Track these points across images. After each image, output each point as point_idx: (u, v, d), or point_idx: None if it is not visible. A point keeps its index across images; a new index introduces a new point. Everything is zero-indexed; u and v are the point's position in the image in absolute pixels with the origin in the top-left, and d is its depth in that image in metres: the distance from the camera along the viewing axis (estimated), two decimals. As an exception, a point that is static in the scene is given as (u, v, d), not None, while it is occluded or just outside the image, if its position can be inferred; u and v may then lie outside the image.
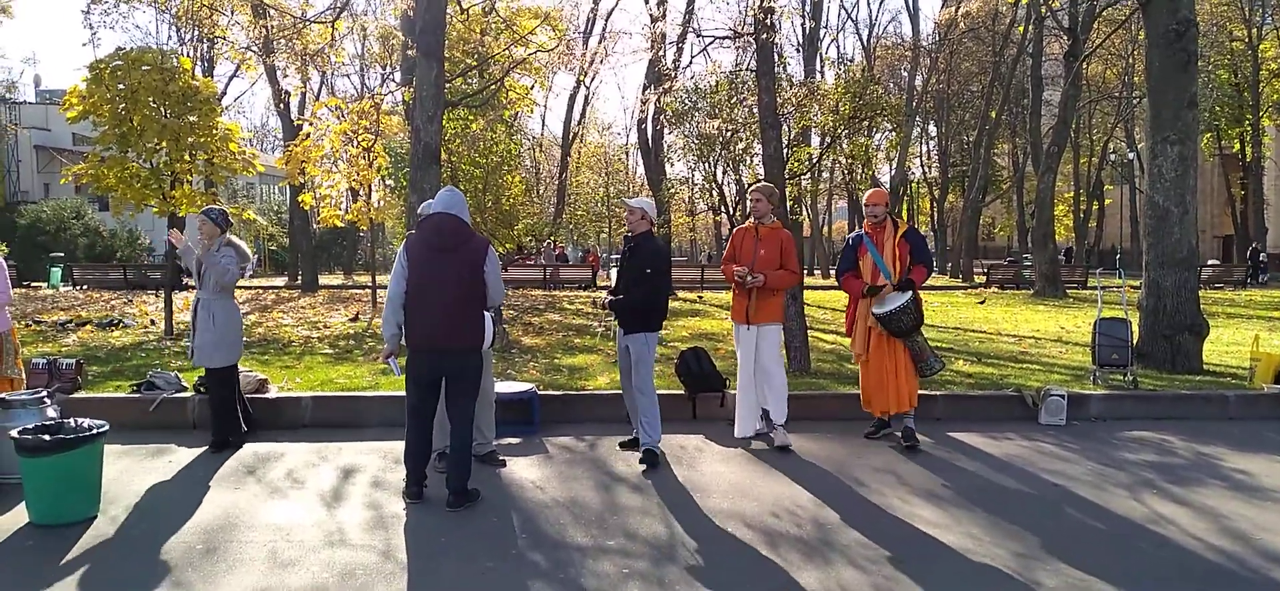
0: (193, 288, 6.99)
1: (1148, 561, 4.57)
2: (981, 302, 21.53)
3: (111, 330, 13.47)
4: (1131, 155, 44.35)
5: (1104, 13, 25.74)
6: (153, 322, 14.47)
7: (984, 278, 32.96)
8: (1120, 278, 13.07)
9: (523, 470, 6.16)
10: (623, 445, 6.72)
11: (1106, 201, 49.81)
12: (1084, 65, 26.71)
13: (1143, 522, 5.17)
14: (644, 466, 6.20)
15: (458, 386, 5.38)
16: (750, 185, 24.50)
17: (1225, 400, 8.25)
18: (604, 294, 6.56)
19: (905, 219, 7.84)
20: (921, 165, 49.56)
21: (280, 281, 33.37)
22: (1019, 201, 41.68)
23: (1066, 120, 24.65)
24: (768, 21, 9.94)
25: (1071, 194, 44.29)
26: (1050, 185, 24.72)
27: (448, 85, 11.86)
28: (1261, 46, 37.50)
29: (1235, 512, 5.34)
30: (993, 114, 35.50)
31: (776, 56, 14.93)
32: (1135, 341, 9.20)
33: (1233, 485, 5.95)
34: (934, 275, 30.50)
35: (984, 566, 4.48)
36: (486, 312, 5.55)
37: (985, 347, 12.07)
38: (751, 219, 6.99)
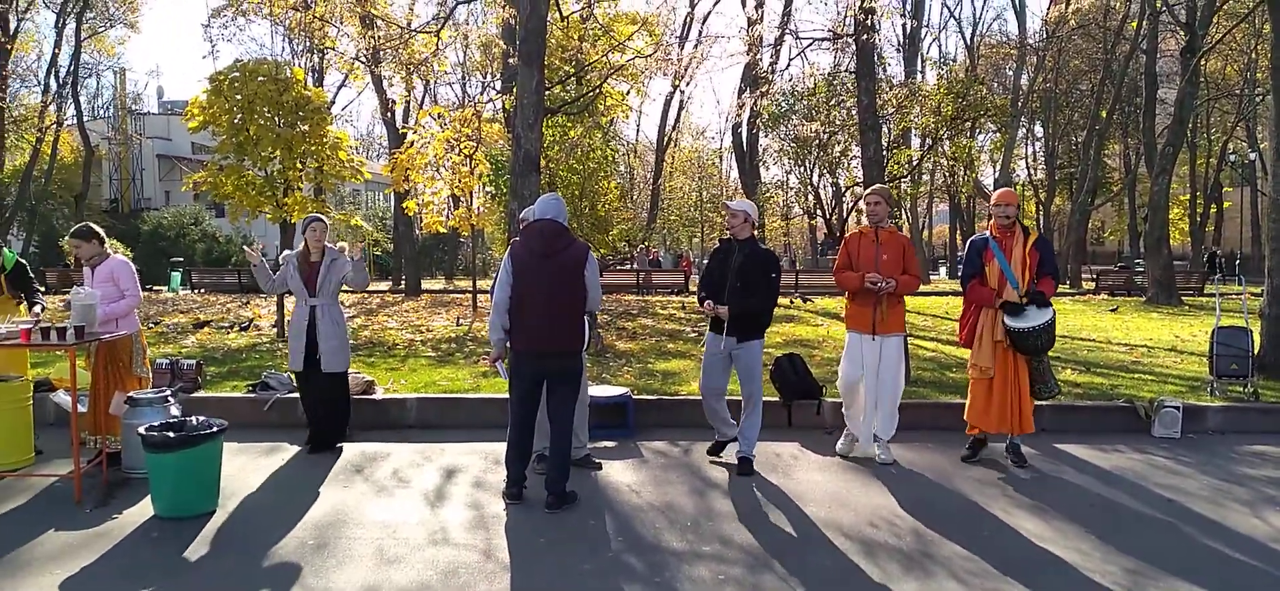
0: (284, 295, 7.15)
1: (1269, 583, 4.36)
2: (1114, 310, 20.73)
3: (229, 332, 14.12)
4: (1253, 156, 42.07)
5: (1224, 6, 24.51)
6: (246, 325, 15.11)
7: (1093, 283, 31.73)
8: (1240, 284, 12.40)
9: (618, 473, 6.24)
10: (711, 451, 6.67)
11: (1226, 204, 47.40)
12: (1202, 62, 25.49)
13: (1265, 542, 4.94)
14: (739, 472, 6.21)
15: (559, 389, 5.49)
16: (847, 187, 24.30)
17: (1357, 415, 7.78)
18: (716, 308, 6.20)
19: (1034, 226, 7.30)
20: (1027, 167, 48.01)
21: (384, 286, 34.37)
22: (1131, 204, 40.06)
23: (1183, 119, 23.53)
24: (868, 22, 9.82)
25: (1187, 197, 42.29)
26: (1165, 187, 23.62)
27: (547, 92, 12.07)
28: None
29: (1368, 535, 5.05)
30: (1103, 113, 34.13)
31: (876, 57, 14.64)
32: (1257, 351, 8.75)
33: (1365, 505, 5.62)
34: (1039, 281, 29.31)
35: (1093, 583, 4.34)
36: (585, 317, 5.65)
37: (1095, 357, 11.63)
38: (866, 222, 6.74)
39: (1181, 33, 23.89)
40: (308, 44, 25.00)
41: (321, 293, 6.76)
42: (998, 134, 33.21)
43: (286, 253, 7.02)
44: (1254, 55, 33.57)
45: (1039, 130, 43.73)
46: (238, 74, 12.53)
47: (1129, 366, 10.70)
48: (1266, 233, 9.94)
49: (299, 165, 13.20)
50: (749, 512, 5.43)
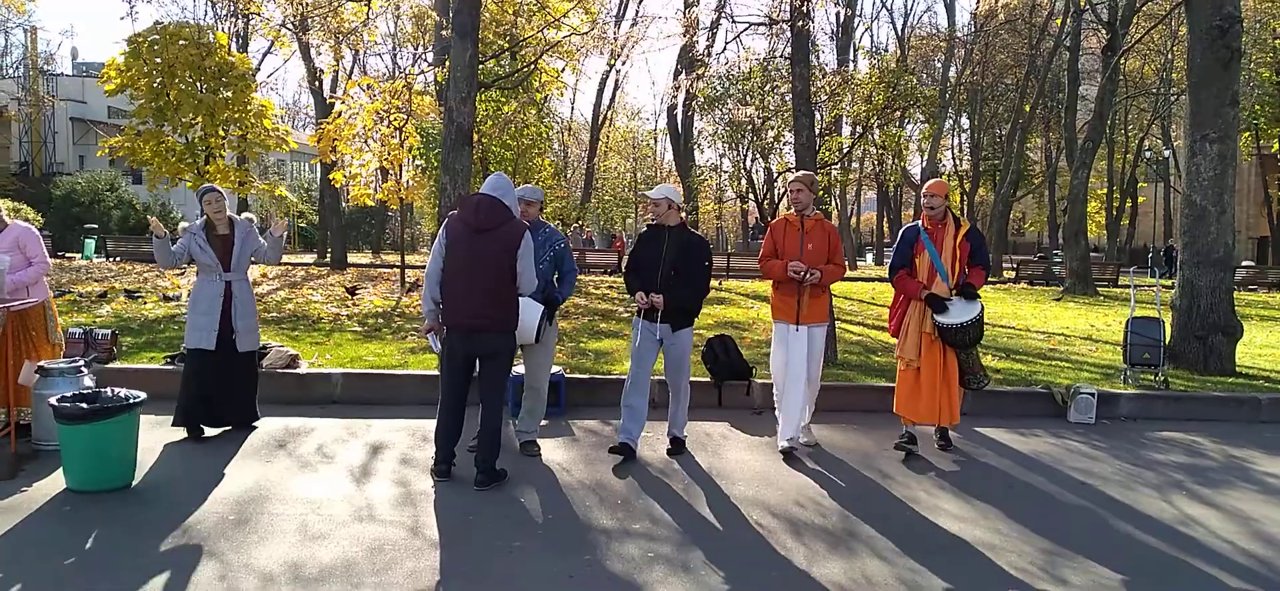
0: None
1: (1176, 564, 4.54)
2: (1058, 300, 21.32)
3: (143, 302, 13.66)
4: (1167, 153, 43.70)
5: (1144, 7, 25.33)
6: (167, 297, 14.65)
7: (1013, 273, 32.63)
8: (1153, 277, 12.89)
9: (549, 452, 6.21)
10: (612, 451, 6.14)
11: (1140, 199, 49.11)
12: (1122, 60, 26.32)
13: (1172, 524, 5.13)
14: (670, 451, 6.22)
15: (490, 367, 5.43)
16: (780, 173, 24.48)
17: (1258, 403, 8.15)
18: (650, 297, 5.98)
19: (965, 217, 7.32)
20: (953, 158, 49.10)
21: (309, 258, 33.67)
22: (1051, 197, 41.18)
23: (1103, 115, 24.30)
24: (804, 8, 9.86)
25: (1104, 191, 43.71)
26: (1084, 181, 24.38)
27: (480, 67, 11.88)
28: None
29: (1266, 517, 5.29)
30: (1027, 107, 35.05)
31: (811, 44, 14.75)
32: (1167, 341, 9.09)
33: (1263, 489, 5.89)
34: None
35: (1010, 563, 4.46)
36: (534, 301, 5.60)
37: (1014, 343, 11.97)
38: (791, 210, 6.57)
39: (1103, 31, 24.64)
40: (231, 7, 24.22)
41: (237, 267, 6.45)
42: (926, 124, 33.84)
43: (185, 224, 6.69)
44: (1170, 56, 34.81)
45: (965, 122, 44.73)
46: (158, 37, 12.11)
47: (1046, 353, 11.04)
48: (1180, 226, 10.31)
49: (221, 133, 12.83)
50: (678, 491, 5.45)
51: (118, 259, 27.30)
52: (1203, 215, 9.79)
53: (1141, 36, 27.95)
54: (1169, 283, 10.70)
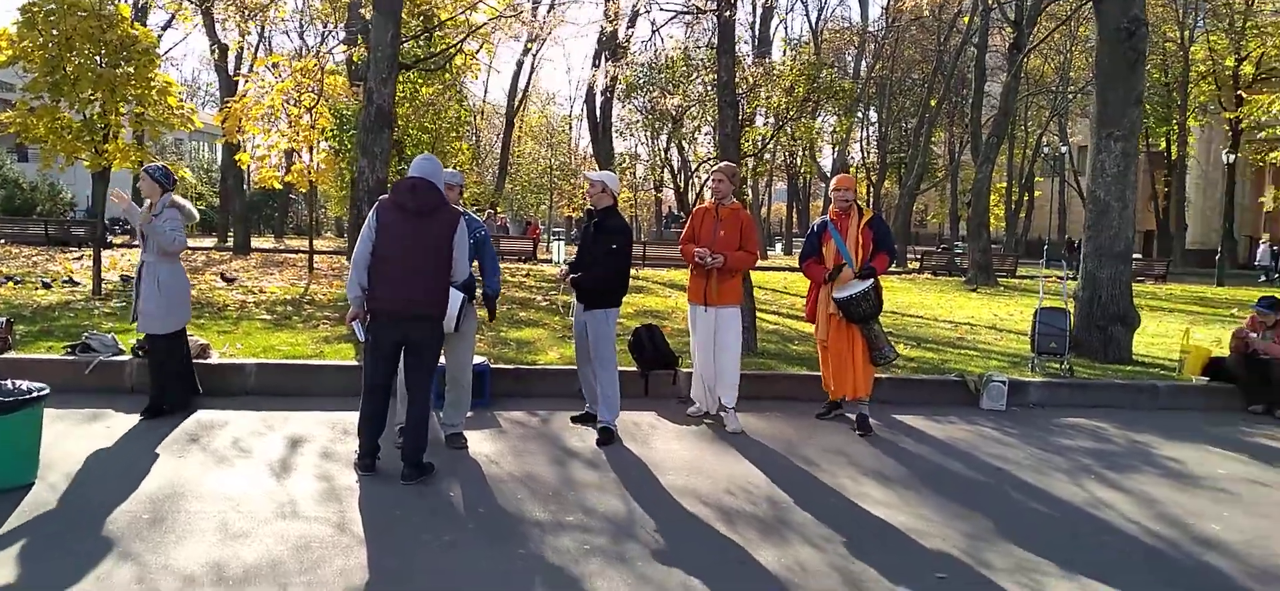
0: (134, 247, 6.74)
1: (1090, 545, 4.72)
2: (973, 290, 22.00)
3: (38, 288, 12.97)
4: (1064, 149, 45.53)
5: (1048, 7, 26.27)
6: (72, 281, 13.98)
7: (918, 263, 33.56)
8: (1045, 267, 13.42)
9: (476, 444, 6.11)
10: (575, 419, 6.71)
11: (1037, 193, 51.07)
12: (1025, 59, 27.27)
13: (1083, 507, 5.34)
14: (599, 442, 6.21)
15: (417, 356, 5.29)
16: (699, 163, 24.62)
17: (1156, 390, 8.55)
18: (564, 267, 6.49)
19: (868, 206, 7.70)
20: (861, 150, 50.16)
21: (209, 243, 32.45)
22: (953, 190, 42.54)
23: (1007, 112, 25.16)
24: (729, -2, 9.91)
25: (1004, 185, 45.32)
26: (988, 175, 25.22)
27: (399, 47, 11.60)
28: (1192, 49, 38.71)
29: (1168, 499, 5.55)
30: (933, 102, 36.05)
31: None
32: (1071, 331, 9.46)
33: (1165, 472, 6.18)
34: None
35: (936, 547, 4.57)
36: (463, 293, 5.50)
37: (924, 332, 12.30)
38: (710, 198, 6.91)
39: (1010, 29, 25.46)
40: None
41: (148, 249, 6.32)
42: (836, 118, 34.50)
43: (84, 206, 6.51)
44: (1069, 56, 36.22)
45: (873, 116, 45.73)
46: (54, 6, 11.42)
47: (955, 342, 11.38)
48: (1085, 220, 10.73)
49: (122, 110, 12.20)
50: (610, 482, 5.43)
51: (3, 242, 25.85)
52: (1106, 210, 10.20)
53: (1046, 36, 29.01)
54: (1064, 273, 11.14)
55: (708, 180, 10.00)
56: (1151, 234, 46.75)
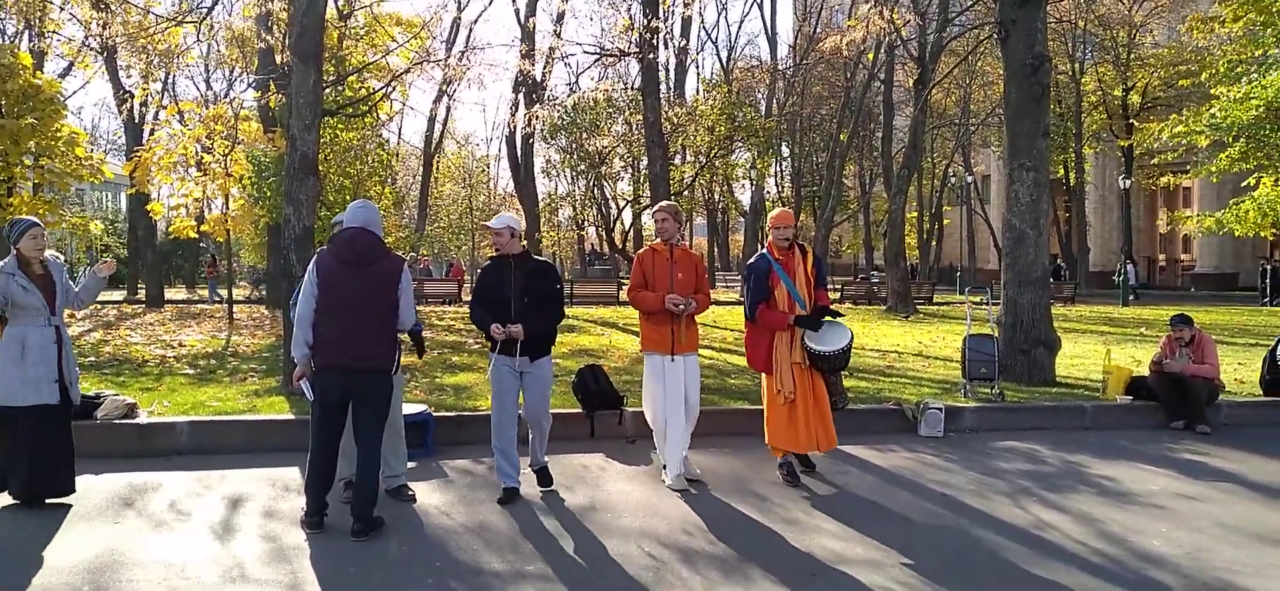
0: None
1: (1041, 568, 4.82)
2: (908, 318, 22.56)
3: None
4: (970, 178, 47.15)
5: (949, 45, 27.28)
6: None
7: (838, 294, 34.22)
8: (963, 294, 13.82)
9: (424, 495, 5.98)
10: (503, 501, 5.89)
11: (946, 222, 52.69)
12: (928, 94, 28.26)
13: (1029, 529, 5.48)
14: (542, 483, 6.11)
15: (366, 409, 5.17)
16: (627, 202, 24.72)
17: (1083, 411, 8.85)
18: (509, 329, 5.73)
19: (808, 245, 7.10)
20: (776, 184, 51.14)
21: (118, 295, 31.21)
22: (866, 220, 43.63)
23: (917, 145, 25.95)
24: (652, 40, 10.04)
25: (915, 215, 46.64)
26: (901, 206, 25.94)
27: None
28: (1083, 80, 40.60)
29: (1108, 517, 5.73)
30: (843, 136, 37.00)
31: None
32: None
33: (1101, 491, 6.39)
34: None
35: (895, 579, 4.62)
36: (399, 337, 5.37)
37: (854, 362, 12.48)
38: (659, 240, 6.59)
39: (912, 65, 26.34)
40: (29, 28, 22.25)
41: (60, 311, 5.76)
42: (750, 154, 35.06)
43: None
44: (968, 89, 37.63)
45: (786, 151, 46.69)
46: (-49, 56, 10.97)
47: (885, 370, 11.61)
48: (1002, 249, 11.09)
49: (26, 162, 11.74)
50: (566, 528, 5.37)
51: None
52: (1022, 238, 10.58)
53: (948, 73, 30.07)
54: (985, 300, 11.49)
55: (648, 219, 9.94)
56: (1056, 257, 48.62)
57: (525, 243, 6.20)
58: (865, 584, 4.58)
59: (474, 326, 6.50)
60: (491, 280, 5.95)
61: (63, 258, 5.84)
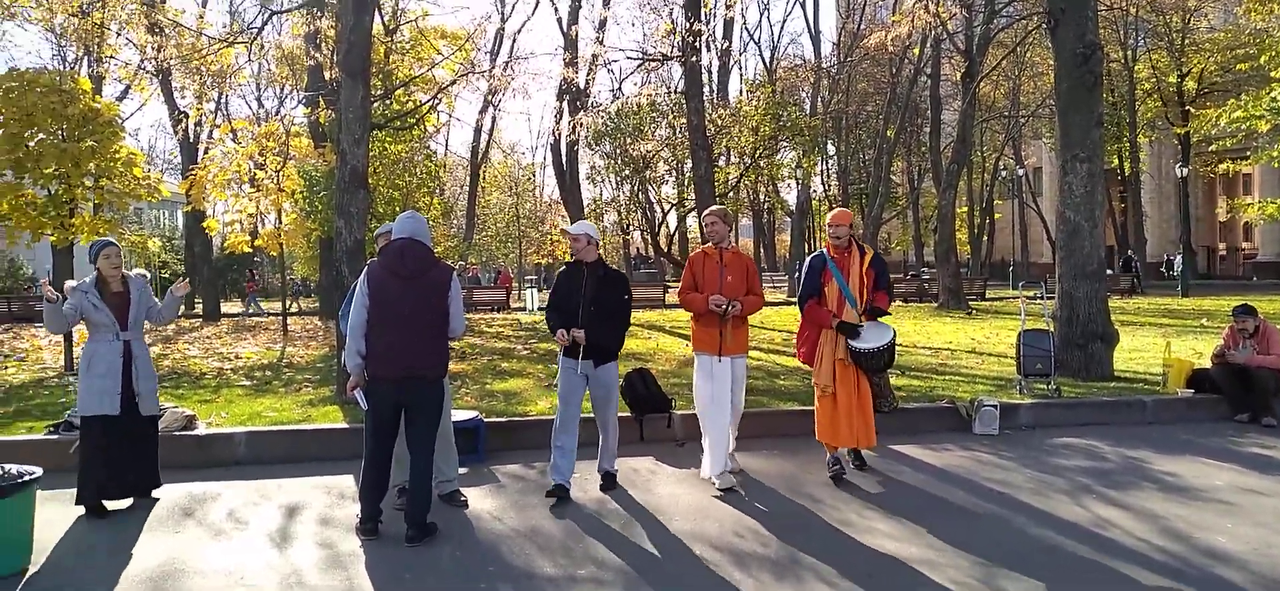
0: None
1: (1101, 567, 4.72)
2: (970, 316, 22.27)
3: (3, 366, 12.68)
4: (1021, 171, 46.35)
5: (997, 36, 26.85)
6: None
7: (887, 292, 33.80)
8: (1015, 289, 13.59)
9: (476, 500, 6.03)
10: (548, 494, 6.04)
11: (997, 216, 51.85)
12: (977, 86, 27.84)
13: (1089, 528, 5.36)
14: (604, 488, 6.18)
15: (419, 417, 5.23)
16: (670, 206, 24.71)
17: (1143, 405, 8.65)
18: (574, 335, 5.92)
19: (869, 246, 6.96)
20: (822, 183, 50.72)
21: (176, 310, 31.97)
22: (915, 217, 43.05)
23: (966, 139, 25.59)
24: (695, 43, 10.03)
25: (965, 209, 45.96)
26: (951, 202, 25.59)
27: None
28: (1136, 68, 39.71)
29: (1171, 514, 5.58)
30: (890, 133, 36.58)
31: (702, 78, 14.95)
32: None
33: (1164, 487, 6.23)
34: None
35: (950, 579, 4.55)
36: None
37: (906, 360, 12.37)
38: (709, 243, 6.63)
39: (959, 59, 25.98)
40: (87, 54, 22.90)
41: (134, 326, 6.00)
42: (795, 153, 34.82)
43: (72, 283, 6.00)
44: (1017, 81, 36.98)
45: (832, 149, 46.31)
46: (15, 84, 11.31)
47: (938, 368, 11.45)
48: (1056, 242, 10.89)
49: (86, 183, 12.07)
50: (616, 531, 5.38)
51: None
52: (1077, 230, 10.37)
53: (996, 65, 29.59)
54: (1039, 294, 11.29)
55: (695, 223, 9.94)
56: (1112, 249, 47.61)
57: (599, 248, 6.29)
58: (919, 583, 4.51)
59: (523, 333, 6.65)
60: (565, 284, 6.16)
61: (149, 276, 6.03)
